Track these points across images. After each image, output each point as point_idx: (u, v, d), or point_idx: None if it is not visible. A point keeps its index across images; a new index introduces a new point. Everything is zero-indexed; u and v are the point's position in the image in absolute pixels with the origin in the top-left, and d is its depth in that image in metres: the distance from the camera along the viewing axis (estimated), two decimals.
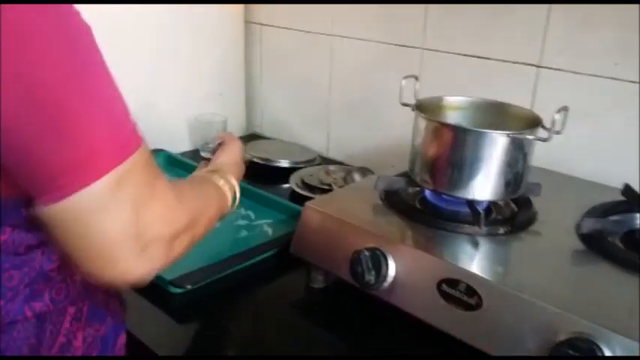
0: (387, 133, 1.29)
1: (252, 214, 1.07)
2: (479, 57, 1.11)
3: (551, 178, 0.95)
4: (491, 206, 0.86)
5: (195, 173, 0.80)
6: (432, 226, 0.79)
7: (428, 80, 1.17)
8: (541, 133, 0.78)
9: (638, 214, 0.83)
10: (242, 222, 1.05)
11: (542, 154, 0.84)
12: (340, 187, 1.17)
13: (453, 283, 0.69)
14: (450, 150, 0.79)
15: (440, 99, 0.92)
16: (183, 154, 1.40)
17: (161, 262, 0.53)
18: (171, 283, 0.81)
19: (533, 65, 1.05)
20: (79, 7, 0.50)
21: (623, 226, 0.80)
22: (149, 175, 0.52)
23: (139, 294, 0.81)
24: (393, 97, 0.86)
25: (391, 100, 0.87)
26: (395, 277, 0.73)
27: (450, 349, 0.71)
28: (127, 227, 0.49)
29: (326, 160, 1.39)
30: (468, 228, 0.78)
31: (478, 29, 1.10)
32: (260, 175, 1.29)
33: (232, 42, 1.49)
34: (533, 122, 0.81)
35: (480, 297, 0.66)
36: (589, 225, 0.76)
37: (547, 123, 0.76)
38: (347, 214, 0.81)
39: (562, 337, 0.60)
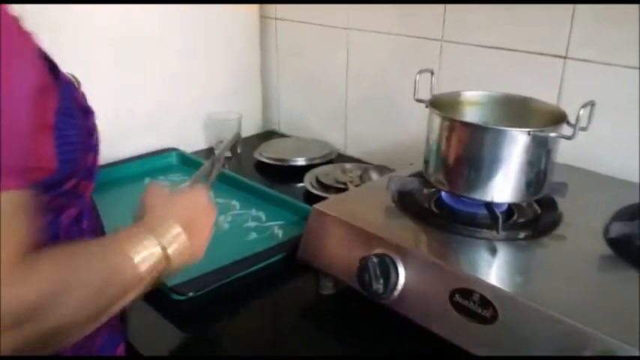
0: (406, 129, 1.24)
1: (263, 216, 1.04)
2: (502, 48, 1.05)
3: (577, 176, 0.89)
4: (513, 208, 0.81)
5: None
6: (447, 230, 0.74)
7: (447, 74, 1.13)
8: (565, 130, 0.72)
9: None
10: (252, 224, 1.01)
11: (567, 150, 0.78)
12: (356, 185, 1.13)
13: (466, 293, 0.63)
14: (466, 149, 0.74)
15: (457, 94, 0.87)
16: (198, 152, 1.38)
17: None
18: (173, 289, 0.78)
19: (559, 57, 0.98)
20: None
21: None
22: None
23: (140, 300, 0.78)
24: (412, 92, 0.81)
25: (409, 95, 0.82)
26: (404, 286, 0.69)
27: None
28: None
29: (343, 158, 1.35)
30: (485, 232, 0.73)
31: (500, 19, 1.04)
32: (274, 175, 1.25)
33: (248, 39, 1.46)
34: (558, 118, 0.75)
35: (495, 309, 0.61)
36: (617, 229, 0.70)
37: (573, 117, 0.70)
38: (355, 217, 0.77)
39: (587, 354, 0.55)
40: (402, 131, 1.25)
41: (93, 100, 0.59)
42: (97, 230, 0.64)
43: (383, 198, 0.83)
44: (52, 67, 0.51)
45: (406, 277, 0.69)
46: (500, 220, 0.71)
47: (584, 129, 0.70)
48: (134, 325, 0.73)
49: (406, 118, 1.23)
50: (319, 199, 0.92)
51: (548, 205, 0.80)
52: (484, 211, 0.75)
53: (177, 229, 0.57)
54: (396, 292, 0.69)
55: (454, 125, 0.75)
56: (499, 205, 0.76)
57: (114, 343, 0.66)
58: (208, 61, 1.38)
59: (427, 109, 0.79)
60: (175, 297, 0.78)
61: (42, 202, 0.49)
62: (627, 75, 0.91)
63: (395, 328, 0.73)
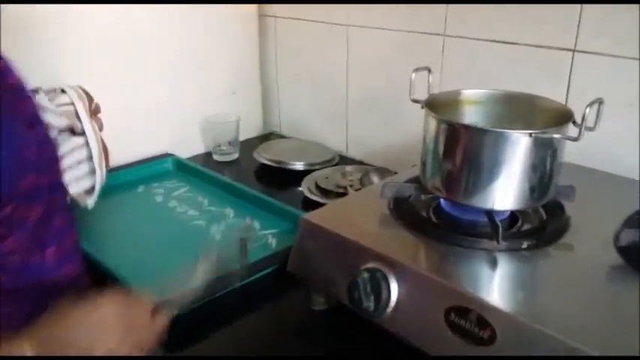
0: (409, 128, 1.18)
1: (257, 224, 0.99)
2: (506, 42, 0.99)
3: (586, 177, 0.83)
4: (517, 214, 0.75)
5: None
6: (444, 241, 0.69)
7: (450, 70, 1.07)
8: (571, 130, 0.66)
9: None
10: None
11: (575, 148, 0.71)
12: (357, 190, 1.08)
13: (462, 312, 0.58)
14: (464, 153, 0.69)
15: (457, 93, 0.81)
16: (195, 157, 1.34)
17: None
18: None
19: (568, 50, 0.92)
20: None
21: None
22: None
23: None
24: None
25: None
26: (397, 303, 0.64)
27: None
28: None
29: (344, 160, 1.30)
30: (485, 243, 0.67)
31: (505, 12, 0.98)
32: (273, 179, 1.21)
33: (247, 39, 1.42)
34: (564, 117, 0.69)
35: (493, 330, 0.56)
36: (629, 236, 0.65)
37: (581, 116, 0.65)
38: (346, 228, 0.72)
39: None
40: (404, 131, 1.20)
41: None
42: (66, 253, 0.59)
43: (380, 204, 0.78)
44: None
45: (399, 294, 0.64)
46: (501, 229, 0.66)
47: (591, 129, 0.64)
48: None
49: (409, 117, 1.17)
50: (317, 205, 0.87)
51: (555, 210, 0.74)
52: (485, 219, 0.70)
53: None
54: (388, 310, 0.64)
55: (450, 128, 0.70)
56: (500, 212, 0.71)
57: None
58: (207, 61, 1.34)
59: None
60: None
61: None
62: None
63: (390, 346, 0.68)
